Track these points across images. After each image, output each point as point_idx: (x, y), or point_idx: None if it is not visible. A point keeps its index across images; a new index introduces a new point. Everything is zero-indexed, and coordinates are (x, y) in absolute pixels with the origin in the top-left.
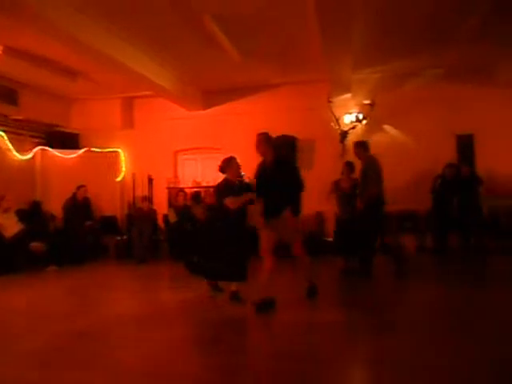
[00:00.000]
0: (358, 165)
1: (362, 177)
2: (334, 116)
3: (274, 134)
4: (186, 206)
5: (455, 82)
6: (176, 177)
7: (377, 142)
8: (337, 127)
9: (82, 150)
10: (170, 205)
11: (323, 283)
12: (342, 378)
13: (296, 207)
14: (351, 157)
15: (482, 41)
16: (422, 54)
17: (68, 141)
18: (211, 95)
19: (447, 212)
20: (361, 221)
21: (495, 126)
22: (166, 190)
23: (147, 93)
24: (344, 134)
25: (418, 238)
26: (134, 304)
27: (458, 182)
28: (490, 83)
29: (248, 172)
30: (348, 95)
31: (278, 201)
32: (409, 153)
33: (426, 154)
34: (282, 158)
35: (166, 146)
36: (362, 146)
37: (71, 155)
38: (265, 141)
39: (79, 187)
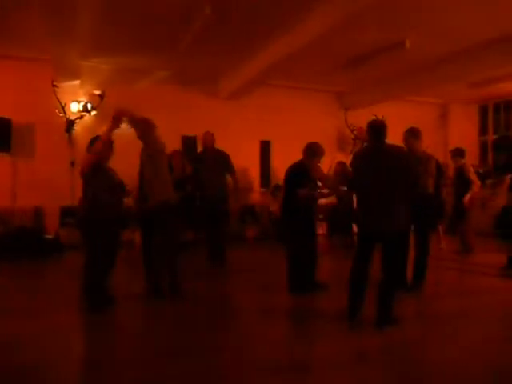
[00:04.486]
0: None
1: None
2: (59, 102)
3: None
4: None
5: (183, 86)
6: None
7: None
8: (62, 114)
9: None
10: None
11: None
12: None
13: None
14: (79, 147)
15: (201, 55)
16: (150, 54)
17: None
18: None
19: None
20: None
21: (217, 129)
22: None
23: None
24: (71, 123)
25: None
26: None
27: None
28: (214, 93)
29: None
30: (76, 82)
31: None
32: (138, 148)
33: None
34: None
35: None
36: None
37: None
38: None
39: None
